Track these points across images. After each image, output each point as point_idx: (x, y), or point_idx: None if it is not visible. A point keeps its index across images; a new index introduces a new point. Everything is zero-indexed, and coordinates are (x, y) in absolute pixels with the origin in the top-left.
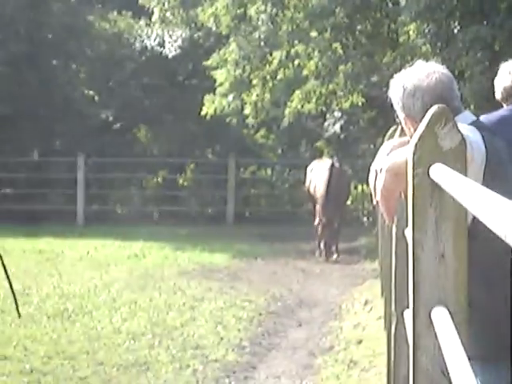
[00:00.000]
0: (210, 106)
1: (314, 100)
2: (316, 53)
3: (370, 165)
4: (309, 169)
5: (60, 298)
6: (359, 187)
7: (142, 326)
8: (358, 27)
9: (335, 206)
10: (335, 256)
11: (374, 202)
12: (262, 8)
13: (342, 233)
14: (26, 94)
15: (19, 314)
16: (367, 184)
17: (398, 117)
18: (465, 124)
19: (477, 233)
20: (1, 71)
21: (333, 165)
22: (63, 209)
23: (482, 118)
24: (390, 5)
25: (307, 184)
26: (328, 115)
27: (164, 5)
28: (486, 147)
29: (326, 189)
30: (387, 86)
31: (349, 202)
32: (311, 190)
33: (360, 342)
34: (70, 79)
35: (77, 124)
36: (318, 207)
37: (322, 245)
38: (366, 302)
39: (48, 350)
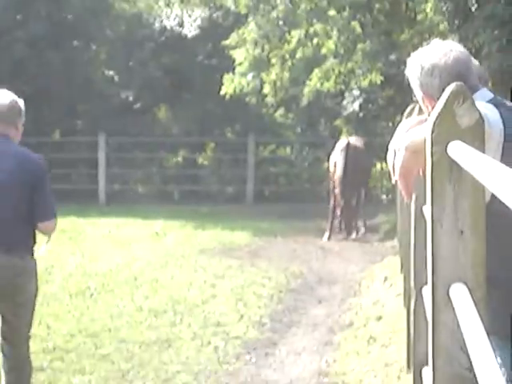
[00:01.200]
0: (230, 85)
1: (332, 78)
2: (334, 31)
3: (389, 143)
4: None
5: (82, 276)
6: (378, 165)
7: (163, 304)
8: (376, 5)
9: (353, 185)
10: (354, 234)
11: (393, 181)
12: None
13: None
14: (46, 75)
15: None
16: (386, 162)
17: (415, 95)
18: (483, 101)
19: (495, 210)
20: (22, 52)
21: (348, 144)
22: (85, 188)
23: None
24: None
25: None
26: (347, 93)
27: None
28: (503, 124)
29: (342, 170)
30: (405, 64)
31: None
32: (331, 170)
33: (379, 318)
34: (90, 60)
35: (97, 104)
36: (336, 189)
37: (342, 224)
38: (386, 279)
39: (71, 328)
